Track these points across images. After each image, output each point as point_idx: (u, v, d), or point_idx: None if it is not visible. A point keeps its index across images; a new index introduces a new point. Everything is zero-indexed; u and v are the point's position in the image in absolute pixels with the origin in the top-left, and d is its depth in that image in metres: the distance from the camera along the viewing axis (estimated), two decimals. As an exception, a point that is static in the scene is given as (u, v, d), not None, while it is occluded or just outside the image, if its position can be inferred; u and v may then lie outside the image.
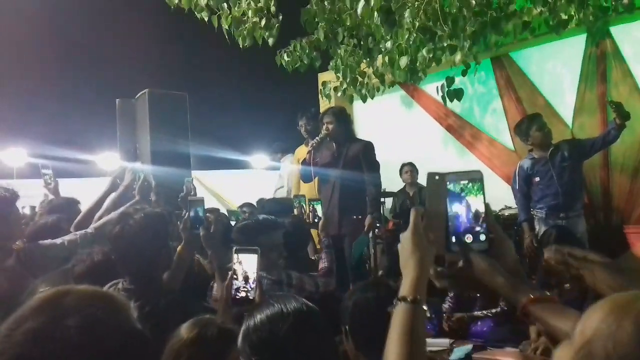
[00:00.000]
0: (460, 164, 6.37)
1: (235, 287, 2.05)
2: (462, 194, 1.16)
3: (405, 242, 1.12)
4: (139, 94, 4.77)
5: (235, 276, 2.06)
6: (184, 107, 4.71)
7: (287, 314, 1.43)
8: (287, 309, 1.44)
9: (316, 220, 3.48)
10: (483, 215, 1.16)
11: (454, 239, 1.16)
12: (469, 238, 1.15)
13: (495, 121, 6.22)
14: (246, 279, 2.05)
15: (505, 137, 6.09)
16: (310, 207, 3.66)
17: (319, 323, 1.52)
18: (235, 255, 2.09)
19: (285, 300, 1.49)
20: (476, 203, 1.16)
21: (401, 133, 7.02)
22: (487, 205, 1.17)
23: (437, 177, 1.16)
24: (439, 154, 6.62)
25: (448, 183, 1.16)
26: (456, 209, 1.16)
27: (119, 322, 0.85)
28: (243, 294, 2.04)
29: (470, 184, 1.16)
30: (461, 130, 6.52)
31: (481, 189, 1.16)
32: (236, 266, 2.08)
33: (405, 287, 1.08)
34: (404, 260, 1.11)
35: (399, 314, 1.04)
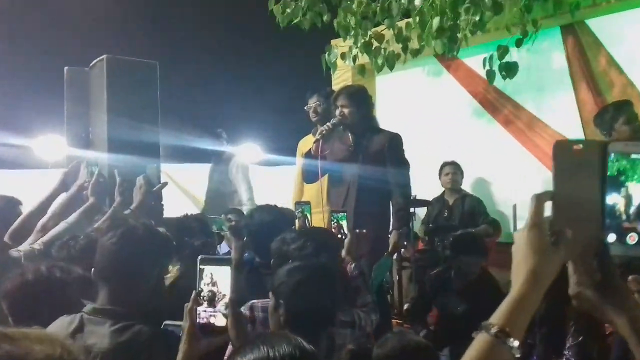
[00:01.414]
0: (510, 161, 6.42)
1: (200, 310, 1.92)
2: (622, 176, 1.02)
3: (520, 243, 1.05)
4: (94, 61, 4.70)
5: (201, 296, 1.93)
6: (153, 80, 4.65)
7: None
8: (274, 353, 1.48)
9: (341, 237, 3.47)
10: None
11: (612, 237, 1.03)
12: (632, 238, 1.02)
13: (561, 107, 6.18)
14: (217, 298, 1.93)
15: (573, 128, 6.02)
16: (334, 223, 3.62)
17: None
18: (200, 268, 1.94)
19: (274, 342, 1.52)
20: None
21: (434, 120, 6.99)
22: None
23: (582, 146, 1.03)
24: (483, 148, 6.61)
25: (609, 155, 1.02)
26: (612, 195, 1.03)
27: None
28: (211, 320, 1.92)
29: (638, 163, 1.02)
30: (514, 117, 6.50)
31: None
32: (202, 284, 1.93)
33: (498, 310, 1.04)
34: (514, 268, 1.06)
35: (474, 345, 1.03)
